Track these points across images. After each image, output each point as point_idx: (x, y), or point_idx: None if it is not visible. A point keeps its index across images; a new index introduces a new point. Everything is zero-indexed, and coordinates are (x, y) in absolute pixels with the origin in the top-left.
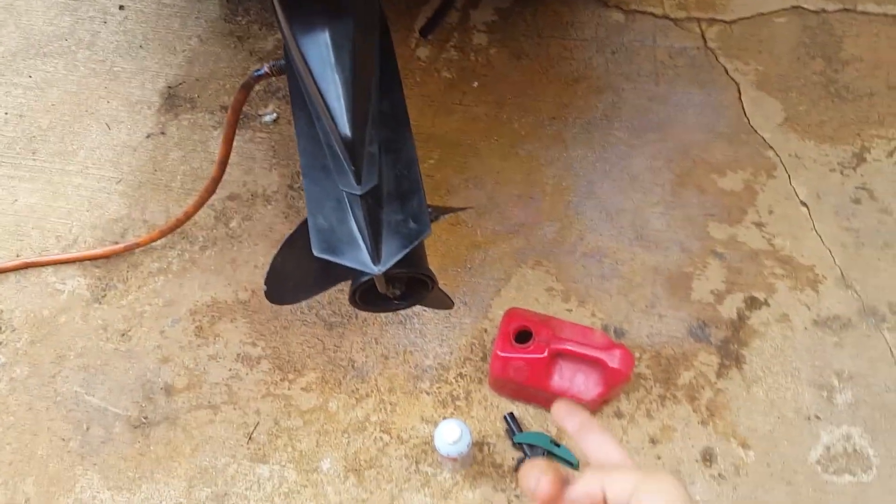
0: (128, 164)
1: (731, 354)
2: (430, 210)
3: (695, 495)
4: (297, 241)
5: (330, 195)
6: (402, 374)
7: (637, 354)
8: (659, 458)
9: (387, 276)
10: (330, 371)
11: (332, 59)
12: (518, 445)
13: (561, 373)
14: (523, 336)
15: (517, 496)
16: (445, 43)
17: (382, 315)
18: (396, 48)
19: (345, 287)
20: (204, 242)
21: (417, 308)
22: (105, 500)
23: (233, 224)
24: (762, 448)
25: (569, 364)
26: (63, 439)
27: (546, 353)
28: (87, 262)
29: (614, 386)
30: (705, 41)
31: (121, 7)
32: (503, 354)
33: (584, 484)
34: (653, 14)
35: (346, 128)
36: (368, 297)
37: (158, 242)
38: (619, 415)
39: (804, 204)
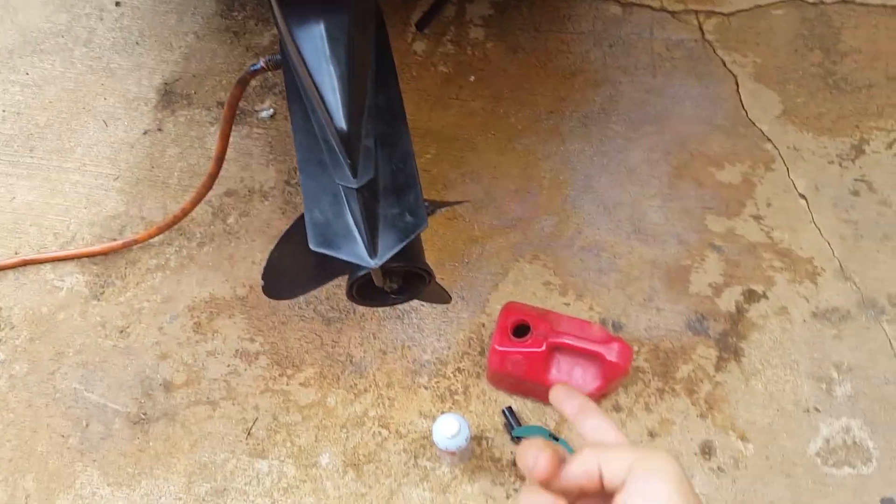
0: (125, 160)
1: (729, 347)
2: (426, 204)
3: (694, 488)
4: (294, 235)
5: (326, 189)
6: (400, 368)
7: (635, 348)
8: None
9: (384, 269)
10: (328, 366)
11: (328, 53)
12: (516, 439)
13: (559, 367)
14: (521, 330)
15: (516, 490)
16: (442, 37)
17: (380, 310)
18: (392, 42)
19: (342, 282)
20: (201, 239)
21: (415, 303)
22: (105, 496)
23: (230, 220)
24: (761, 441)
25: (567, 358)
26: (63, 436)
27: (544, 347)
28: (86, 259)
29: (612, 379)
30: (703, 33)
31: (117, 3)
32: (501, 349)
33: (580, 462)
34: (650, 7)
35: (341, 121)
36: (366, 291)
37: (156, 239)
38: (617, 408)
39: (803, 196)
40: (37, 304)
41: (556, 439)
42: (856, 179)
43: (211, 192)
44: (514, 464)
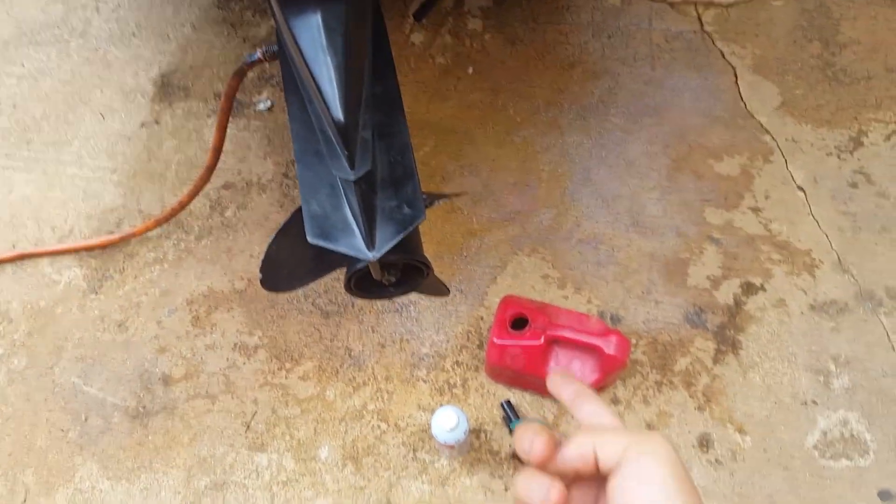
0: (122, 153)
1: (727, 340)
2: (424, 196)
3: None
4: (292, 228)
5: (324, 181)
6: (398, 362)
7: (633, 341)
8: None
9: (381, 262)
10: (327, 360)
11: (325, 43)
12: None
13: (557, 360)
14: (519, 323)
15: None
16: (440, 28)
17: (378, 303)
18: (390, 34)
19: (340, 275)
20: (199, 232)
21: (413, 296)
22: (104, 490)
23: (228, 213)
24: (759, 433)
25: (565, 351)
26: (62, 430)
27: (542, 340)
28: (83, 252)
29: (611, 372)
30: (702, 24)
31: None
32: (499, 342)
33: (576, 445)
34: None
35: (338, 112)
36: (364, 284)
37: (154, 232)
38: (615, 401)
39: (801, 188)
40: (35, 297)
41: None
42: (854, 171)
43: (209, 185)
44: (512, 456)
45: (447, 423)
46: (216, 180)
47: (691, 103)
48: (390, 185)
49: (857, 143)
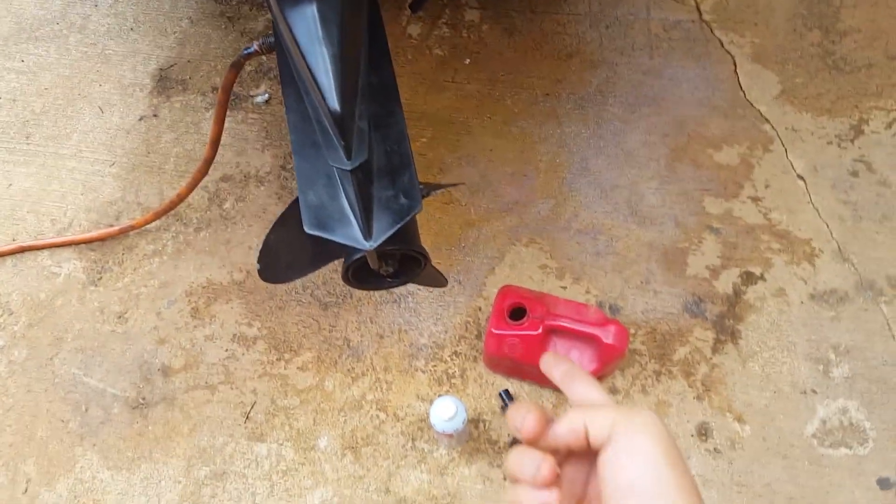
0: (121, 146)
1: (726, 329)
2: (421, 186)
3: (691, 470)
4: (290, 218)
5: (320, 172)
6: (397, 352)
7: (632, 331)
8: None
9: (379, 252)
10: (325, 350)
11: (320, 33)
12: None
13: (555, 349)
14: (518, 313)
15: None
16: (437, 20)
17: (377, 294)
18: (387, 25)
19: (338, 267)
20: (198, 224)
21: (411, 287)
22: (105, 480)
23: (226, 205)
24: (758, 422)
25: (563, 341)
26: (62, 420)
27: (540, 330)
28: (83, 245)
29: (609, 362)
30: (700, 14)
31: None
32: (497, 332)
33: (567, 421)
34: None
35: (334, 102)
36: (361, 274)
37: (153, 225)
38: (614, 391)
39: (801, 177)
40: (35, 290)
41: None
42: (855, 160)
43: (207, 178)
44: (511, 444)
45: (445, 412)
46: (214, 173)
47: (690, 93)
48: (387, 175)
49: (858, 131)
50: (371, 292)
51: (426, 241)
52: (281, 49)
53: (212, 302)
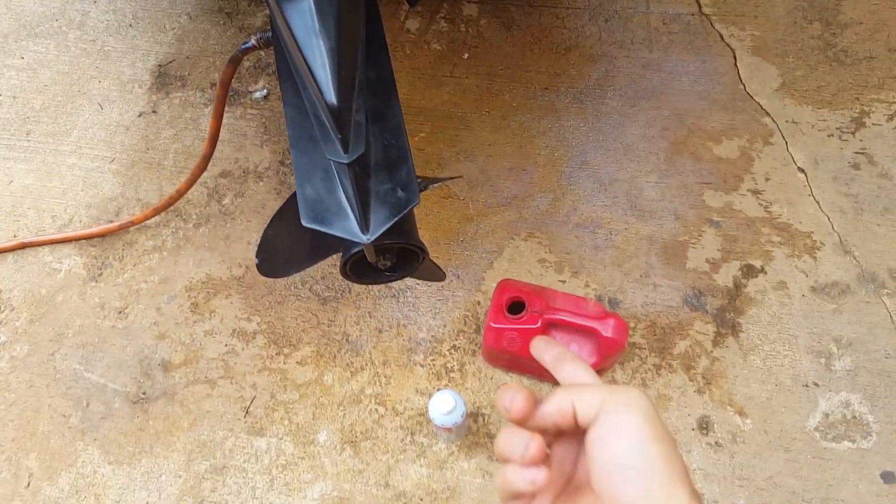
0: (120, 143)
1: (727, 323)
2: (419, 180)
3: (692, 464)
4: (288, 213)
5: (318, 165)
6: (396, 347)
7: (632, 324)
8: None
9: (377, 246)
10: (325, 345)
11: (317, 27)
12: None
13: None
14: (516, 307)
15: None
16: (435, 14)
17: (375, 289)
18: (385, 20)
19: (337, 261)
20: (197, 220)
21: (410, 281)
22: (106, 475)
23: (225, 201)
24: (759, 416)
25: (562, 334)
26: (64, 415)
27: (539, 324)
28: (83, 241)
29: (609, 355)
30: (700, 7)
31: None
32: (496, 325)
33: (555, 401)
34: None
35: (331, 96)
36: (359, 269)
37: (152, 220)
38: (613, 384)
39: (801, 170)
40: (36, 286)
41: None
42: (856, 152)
43: (206, 174)
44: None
45: (444, 406)
46: (213, 169)
47: (690, 86)
48: (384, 169)
49: (859, 123)
50: (369, 287)
51: (424, 236)
52: (278, 43)
53: (211, 297)
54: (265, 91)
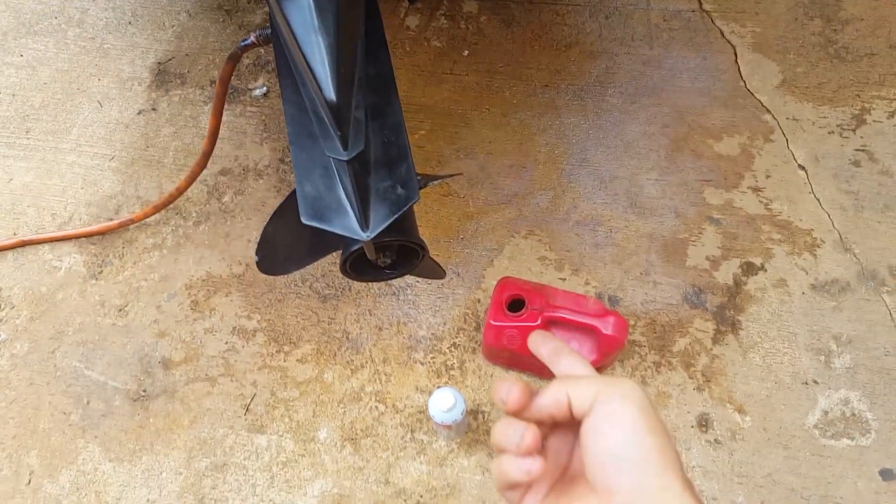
0: (120, 140)
1: (727, 320)
2: (419, 177)
3: (691, 461)
4: (287, 210)
5: (317, 162)
6: (396, 344)
7: (632, 322)
8: None
9: (376, 243)
10: (325, 343)
11: (316, 24)
12: None
13: None
14: (516, 305)
15: None
16: (435, 11)
17: (375, 287)
18: (385, 17)
19: (337, 259)
20: (197, 217)
21: (410, 279)
22: (106, 472)
23: (225, 199)
24: (759, 413)
25: (562, 332)
26: (64, 413)
27: (539, 322)
28: (83, 238)
29: (609, 353)
30: (700, 3)
31: None
32: (496, 323)
33: (550, 392)
34: None
35: (331, 92)
36: (359, 266)
37: (152, 218)
38: None
39: (802, 167)
40: (36, 283)
41: None
42: (856, 150)
43: (206, 171)
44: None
45: (444, 403)
46: (213, 166)
47: (690, 83)
48: (384, 166)
49: (860, 120)
50: (369, 284)
51: (425, 234)
52: (278, 40)
53: (211, 295)
54: (265, 88)
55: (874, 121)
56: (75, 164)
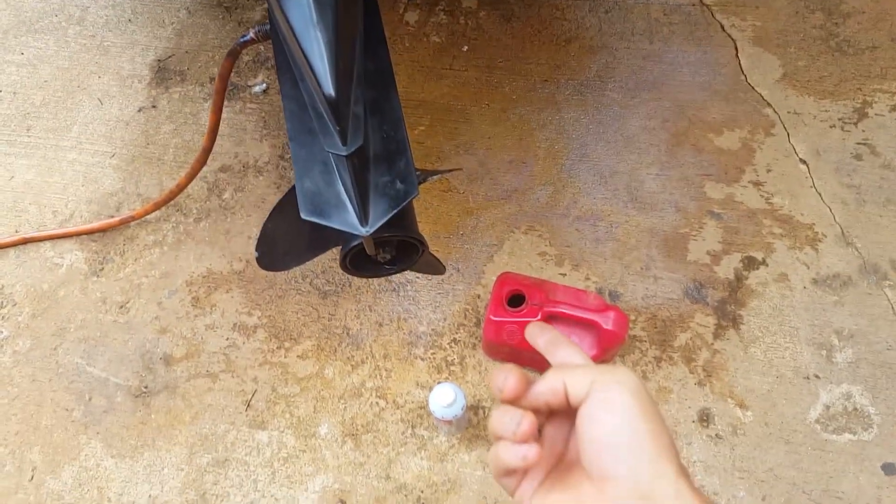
0: (121, 138)
1: (728, 315)
2: (418, 172)
3: (692, 456)
4: (287, 206)
5: (317, 158)
6: (396, 340)
7: (632, 317)
8: None
9: (376, 239)
10: (325, 339)
11: (315, 19)
12: None
13: None
14: (516, 300)
15: None
16: (434, 6)
17: (376, 283)
18: (384, 13)
19: (337, 255)
20: (198, 214)
21: (410, 275)
22: (108, 468)
23: (226, 196)
24: (760, 408)
25: (563, 327)
26: (66, 409)
27: (539, 317)
28: (84, 236)
29: (609, 348)
30: None
31: None
32: (496, 318)
33: (547, 380)
34: None
35: (329, 88)
36: (359, 261)
37: (153, 215)
38: None
39: (803, 161)
40: (38, 281)
41: None
42: (858, 143)
43: (206, 168)
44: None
45: (444, 399)
46: (213, 163)
47: (691, 77)
48: (383, 161)
49: (862, 114)
50: (370, 281)
51: (424, 230)
52: (277, 36)
53: (212, 291)
54: (264, 85)
55: (876, 114)
56: (76, 161)
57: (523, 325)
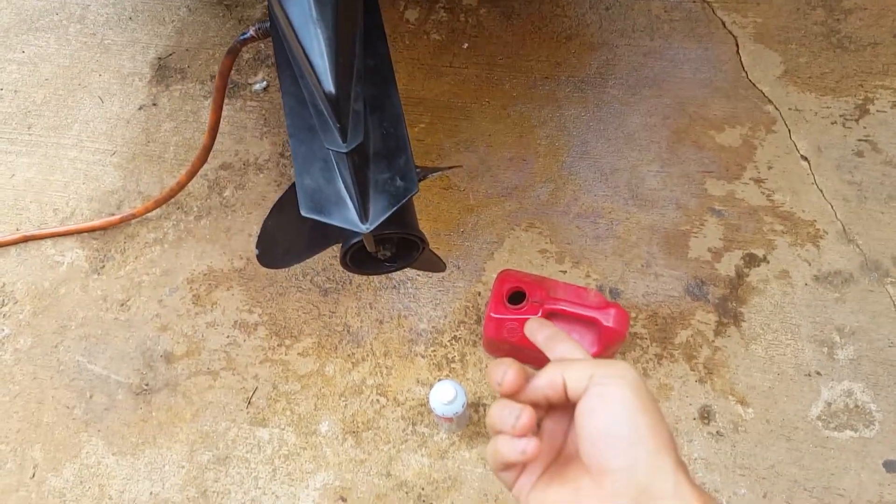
0: (121, 136)
1: (729, 312)
2: (418, 169)
3: (693, 453)
4: (287, 203)
5: (317, 155)
6: (397, 338)
7: (633, 314)
8: None
9: (376, 236)
10: (326, 336)
11: (315, 15)
12: None
13: None
14: (517, 297)
15: None
16: (434, 4)
17: (376, 280)
18: (384, 10)
19: (337, 253)
20: (198, 212)
21: (411, 272)
22: (110, 465)
23: (226, 193)
24: (761, 405)
25: (563, 324)
26: (67, 407)
27: (540, 314)
28: (85, 234)
29: (610, 345)
30: None
31: None
32: (496, 316)
33: (546, 375)
34: None
35: (329, 84)
36: (359, 259)
37: (154, 213)
38: None
39: (805, 158)
40: (39, 279)
41: None
42: (860, 140)
43: (206, 166)
44: None
45: (445, 396)
46: (214, 161)
47: (691, 74)
48: (383, 158)
49: (863, 110)
50: (370, 278)
51: (425, 227)
52: (277, 33)
53: (213, 289)
54: (265, 83)
55: (877, 111)
56: (77, 159)
57: (524, 322)
